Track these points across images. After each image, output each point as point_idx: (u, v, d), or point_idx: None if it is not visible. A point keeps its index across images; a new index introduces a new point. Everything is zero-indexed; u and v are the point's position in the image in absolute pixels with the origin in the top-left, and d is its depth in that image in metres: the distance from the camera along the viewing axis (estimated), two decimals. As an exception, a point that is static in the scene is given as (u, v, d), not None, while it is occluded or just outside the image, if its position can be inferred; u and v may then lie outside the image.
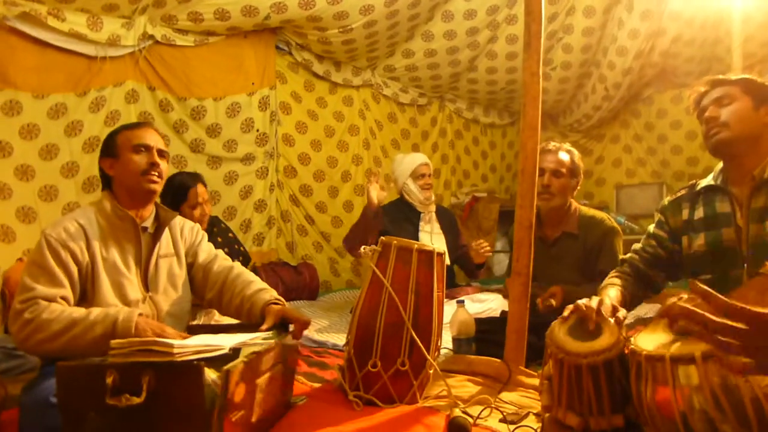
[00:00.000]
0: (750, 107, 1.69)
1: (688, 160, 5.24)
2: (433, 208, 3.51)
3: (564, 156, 2.52)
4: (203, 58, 3.66)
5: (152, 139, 1.79)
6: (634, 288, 1.88)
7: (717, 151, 1.74)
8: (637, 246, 2.00)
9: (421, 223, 3.44)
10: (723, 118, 1.70)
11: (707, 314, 0.75)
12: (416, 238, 3.28)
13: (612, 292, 1.78)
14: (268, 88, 4.02)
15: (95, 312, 1.54)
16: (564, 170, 2.50)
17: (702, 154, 5.05)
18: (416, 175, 3.44)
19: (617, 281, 1.88)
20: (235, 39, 3.79)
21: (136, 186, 1.75)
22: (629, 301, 1.82)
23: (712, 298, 0.75)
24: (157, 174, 1.77)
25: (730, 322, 0.73)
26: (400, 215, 3.44)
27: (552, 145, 2.57)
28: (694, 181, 1.89)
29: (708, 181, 1.81)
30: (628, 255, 2.00)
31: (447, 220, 3.61)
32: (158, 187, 1.79)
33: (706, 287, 0.76)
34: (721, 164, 1.80)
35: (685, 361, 1.21)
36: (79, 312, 1.54)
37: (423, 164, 3.47)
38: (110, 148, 1.77)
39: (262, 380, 1.39)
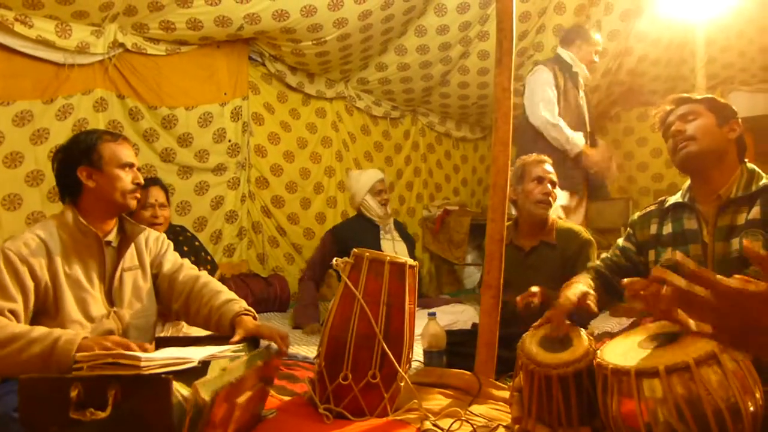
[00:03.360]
0: (714, 123, 1.75)
1: (653, 176, 5.36)
2: (391, 221, 3.71)
3: (550, 167, 2.61)
4: (175, 67, 3.63)
5: (133, 156, 1.81)
6: (599, 289, 1.93)
7: (684, 164, 1.78)
8: (604, 255, 2.06)
9: (382, 233, 3.62)
10: (689, 132, 1.75)
11: (675, 280, 0.77)
12: (378, 246, 3.45)
13: (578, 286, 1.83)
14: (240, 99, 3.99)
15: (38, 330, 1.46)
16: (555, 179, 2.60)
17: (667, 170, 5.18)
18: (374, 191, 3.62)
19: (583, 279, 1.94)
20: (207, 49, 3.76)
21: (120, 202, 1.74)
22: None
23: (671, 277, 0.77)
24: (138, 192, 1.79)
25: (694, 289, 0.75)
26: (360, 228, 3.60)
27: (539, 156, 2.66)
28: (664, 197, 1.94)
29: (676, 198, 1.86)
30: (595, 263, 2.06)
31: (401, 230, 3.83)
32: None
33: (665, 269, 0.78)
34: (688, 182, 1.85)
35: (650, 375, 1.24)
36: (22, 328, 1.47)
37: (380, 180, 3.65)
38: (91, 157, 1.72)
39: (242, 399, 1.37)
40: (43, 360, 1.39)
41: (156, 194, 2.78)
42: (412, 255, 3.64)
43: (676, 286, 0.75)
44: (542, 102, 3.53)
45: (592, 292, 1.76)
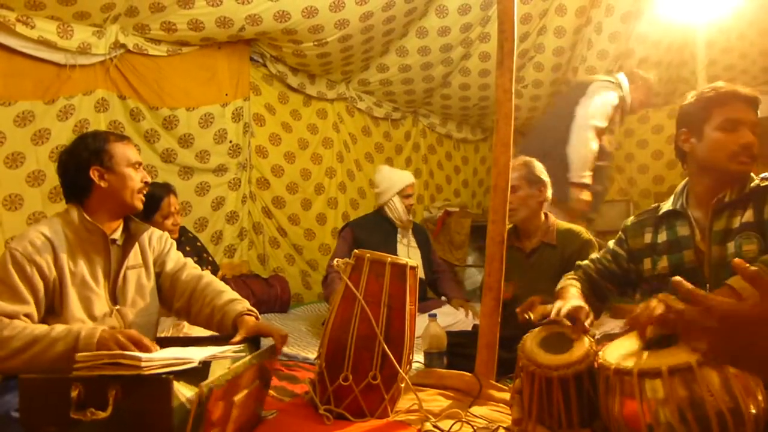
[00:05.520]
0: None
1: (654, 179, 5.36)
2: (410, 225, 3.61)
3: (513, 172, 2.56)
4: (176, 67, 3.63)
5: (139, 156, 1.84)
6: (588, 292, 1.92)
7: (735, 178, 1.68)
8: (594, 256, 2.04)
9: (399, 236, 3.53)
10: (756, 149, 1.66)
11: (680, 307, 0.78)
12: (394, 251, 3.35)
13: (573, 290, 1.82)
14: (241, 100, 3.99)
15: (57, 329, 1.49)
16: (516, 183, 2.53)
17: (667, 173, 5.17)
18: (404, 194, 3.53)
19: (574, 283, 1.93)
20: (208, 50, 3.76)
21: (130, 201, 1.76)
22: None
23: (692, 294, 0.78)
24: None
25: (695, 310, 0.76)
26: (378, 228, 3.50)
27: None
28: (657, 204, 1.92)
29: (668, 205, 1.83)
30: (584, 262, 2.04)
31: (421, 236, 3.70)
32: None
33: (689, 285, 0.79)
34: (679, 187, 1.83)
35: (652, 375, 1.24)
36: (41, 329, 1.49)
37: (411, 185, 3.57)
38: (102, 158, 1.73)
39: (239, 397, 1.37)
40: (67, 358, 1.40)
41: (174, 202, 2.83)
42: (426, 261, 3.56)
43: (675, 309, 0.76)
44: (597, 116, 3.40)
45: (586, 307, 1.70)
